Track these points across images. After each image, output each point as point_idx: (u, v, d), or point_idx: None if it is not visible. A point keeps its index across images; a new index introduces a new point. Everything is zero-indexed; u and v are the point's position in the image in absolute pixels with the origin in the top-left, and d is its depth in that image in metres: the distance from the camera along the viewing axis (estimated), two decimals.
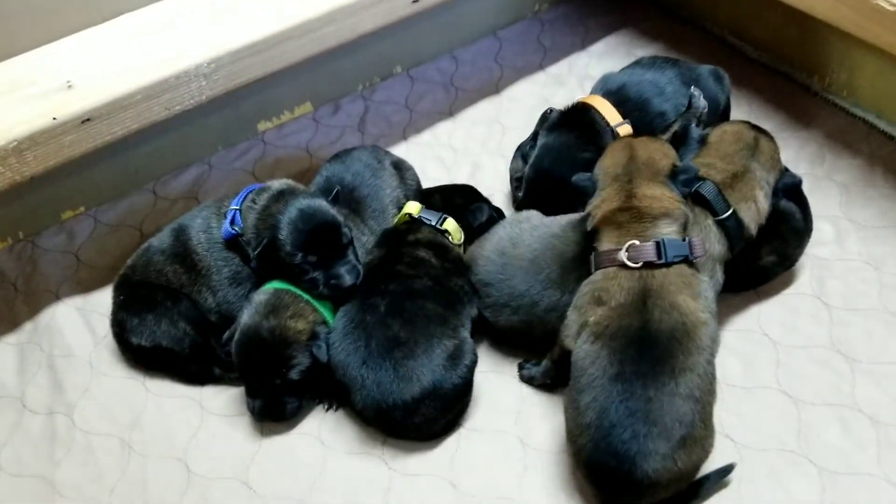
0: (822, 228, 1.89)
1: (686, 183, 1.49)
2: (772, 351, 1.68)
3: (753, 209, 1.59)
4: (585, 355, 1.40)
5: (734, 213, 1.55)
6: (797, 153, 2.08)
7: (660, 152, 1.53)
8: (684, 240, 1.43)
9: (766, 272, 1.72)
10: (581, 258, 1.53)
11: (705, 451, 1.37)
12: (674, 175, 1.49)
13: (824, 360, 1.66)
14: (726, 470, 1.47)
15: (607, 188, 1.50)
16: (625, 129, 1.78)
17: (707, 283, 1.47)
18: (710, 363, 1.38)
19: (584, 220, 1.54)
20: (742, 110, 2.20)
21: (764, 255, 1.68)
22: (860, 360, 1.65)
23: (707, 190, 1.55)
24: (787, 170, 1.68)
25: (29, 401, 1.71)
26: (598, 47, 2.46)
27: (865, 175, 2.02)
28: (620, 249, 1.43)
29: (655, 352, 1.35)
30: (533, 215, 1.70)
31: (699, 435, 1.34)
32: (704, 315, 1.39)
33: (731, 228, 1.55)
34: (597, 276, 1.46)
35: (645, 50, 2.39)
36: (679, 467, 1.32)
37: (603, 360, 1.37)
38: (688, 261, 1.43)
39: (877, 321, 1.72)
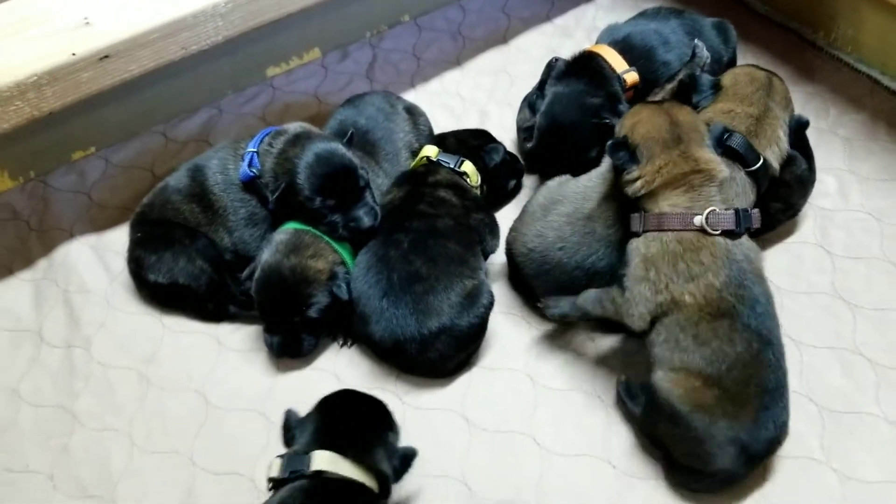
0: (825, 181, 1.93)
1: (719, 142, 1.51)
2: (776, 296, 1.71)
3: (777, 150, 1.64)
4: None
5: (763, 161, 1.58)
6: (802, 107, 2.10)
7: (694, 116, 1.53)
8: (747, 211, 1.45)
9: (771, 219, 1.76)
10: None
11: None
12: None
13: (826, 306, 1.71)
14: None
15: (662, 154, 1.44)
16: (631, 77, 1.81)
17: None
18: None
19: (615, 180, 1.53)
20: (747, 62, 2.22)
21: (769, 202, 1.72)
22: (861, 307, 1.70)
23: (738, 143, 1.57)
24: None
25: (46, 334, 1.73)
26: (605, 0, 2.47)
27: (868, 129, 2.05)
28: (696, 214, 1.40)
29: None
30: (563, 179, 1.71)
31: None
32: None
33: (760, 175, 1.59)
34: (666, 243, 1.41)
35: (652, 3, 2.41)
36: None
37: (721, 339, 1.37)
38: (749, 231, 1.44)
39: (878, 270, 1.77)
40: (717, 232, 1.40)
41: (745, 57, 2.23)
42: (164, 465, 1.52)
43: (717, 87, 1.70)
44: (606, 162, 1.60)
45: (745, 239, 1.43)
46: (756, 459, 1.38)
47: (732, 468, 1.38)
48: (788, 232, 1.84)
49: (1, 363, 1.69)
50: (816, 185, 1.88)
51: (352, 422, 1.37)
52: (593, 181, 1.63)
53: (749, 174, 1.58)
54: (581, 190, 1.63)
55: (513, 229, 1.71)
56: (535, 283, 1.65)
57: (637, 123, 1.50)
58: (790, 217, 1.80)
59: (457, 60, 2.33)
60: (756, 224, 1.45)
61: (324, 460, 1.28)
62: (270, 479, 1.29)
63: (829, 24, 2.24)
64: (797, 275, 1.77)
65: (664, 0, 2.43)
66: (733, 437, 1.35)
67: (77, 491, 1.50)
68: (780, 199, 1.74)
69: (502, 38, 2.38)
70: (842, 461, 1.48)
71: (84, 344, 1.71)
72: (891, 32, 2.10)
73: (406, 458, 1.34)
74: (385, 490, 1.33)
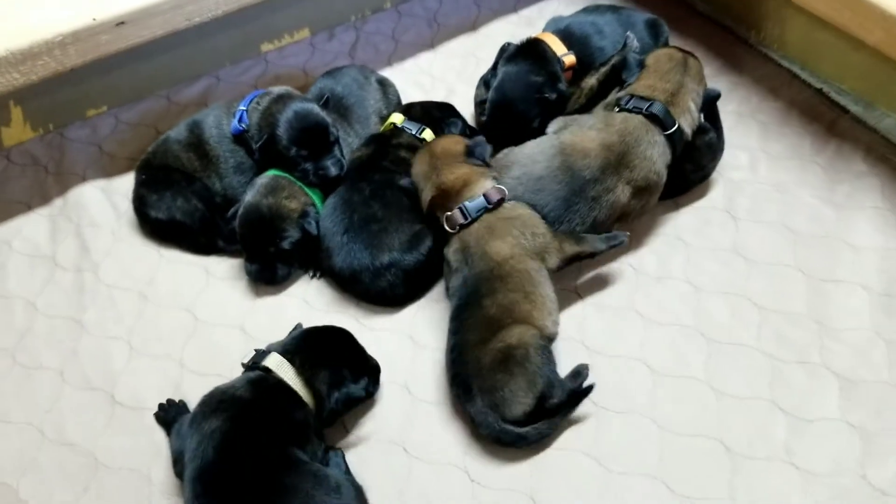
0: (739, 156, 2.22)
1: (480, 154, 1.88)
2: (683, 251, 2.02)
3: (689, 118, 1.96)
4: None
5: (678, 126, 1.90)
6: (728, 94, 2.40)
7: (450, 141, 1.92)
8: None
9: (685, 180, 2.05)
10: None
11: None
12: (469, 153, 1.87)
13: (726, 260, 2.00)
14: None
15: (427, 187, 1.87)
16: (569, 59, 2.12)
17: None
18: None
19: None
20: None
21: (684, 164, 2.01)
22: (755, 261, 1.99)
23: (657, 110, 1.90)
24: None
25: (60, 260, 2.03)
26: None
27: (783, 116, 2.34)
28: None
29: None
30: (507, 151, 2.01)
31: None
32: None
33: (676, 139, 1.92)
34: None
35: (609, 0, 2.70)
36: None
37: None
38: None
39: (774, 232, 2.05)
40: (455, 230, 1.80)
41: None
42: (157, 366, 1.82)
43: (641, 66, 2.01)
44: (550, 128, 1.93)
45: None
46: None
47: None
48: (700, 197, 2.12)
49: (21, 282, 1.99)
50: (730, 159, 2.19)
51: (316, 346, 1.65)
52: (542, 146, 1.93)
53: (667, 137, 1.90)
54: (528, 154, 1.93)
55: None
56: None
57: (413, 166, 1.92)
58: (701, 179, 2.10)
59: (431, 44, 2.63)
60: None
61: (273, 361, 1.59)
62: (242, 364, 1.59)
63: (760, 23, 2.52)
64: (703, 233, 2.06)
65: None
66: None
67: (83, 384, 1.79)
68: (692, 161, 2.04)
69: (472, 25, 2.68)
70: (720, 382, 1.77)
71: (92, 268, 2.01)
72: (811, 33, 2.36)
73: (350, 400, 1.62)
74: (320, 411, 1.59)
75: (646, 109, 1.90)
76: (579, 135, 1.90)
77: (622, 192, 1.86)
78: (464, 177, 1.83)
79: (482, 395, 1.64)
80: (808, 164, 2.20)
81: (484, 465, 1.65)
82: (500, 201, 1.80)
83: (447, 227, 1.80)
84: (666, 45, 2.33)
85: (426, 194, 1.86)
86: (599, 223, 1.86)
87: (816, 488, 1.60)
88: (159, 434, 1.69)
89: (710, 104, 2.04)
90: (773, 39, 2.51)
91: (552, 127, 1.99)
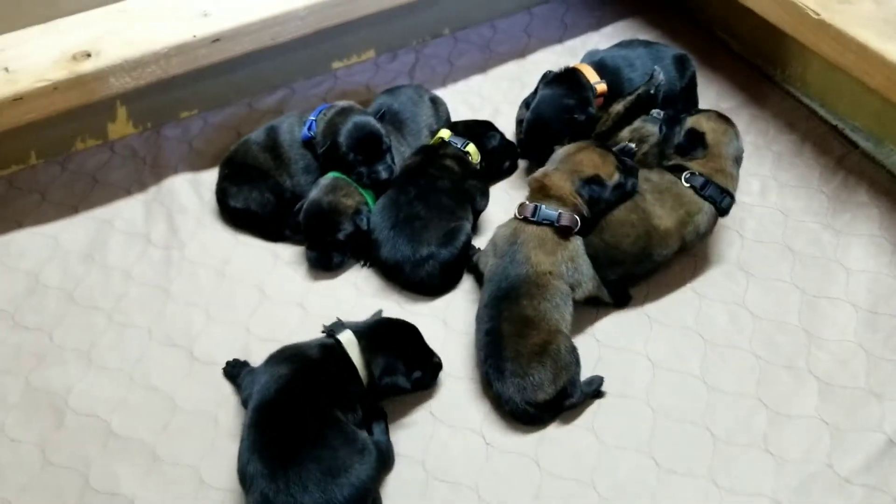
0: (752, 183, 2.47)
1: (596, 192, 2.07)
2: (692, 263, 2.27)
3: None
4: None
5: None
6: (748, 126, 2.64)
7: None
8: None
9: None
10: None
11: None
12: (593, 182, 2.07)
13: (729, 273, 2.24)
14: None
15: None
16: (601, 87, 2.39)
17: None
18: None
19: None
20: (713, 89, 2.78)
21: None
22: (756, 276, 2.23)
23: (727, 204, 2.15)
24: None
25: (152, 238, 2.37)
26: (608, 30, 3.04)
27: (797, 148, 2.57)
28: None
29: None
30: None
31: None
32: None
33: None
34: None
35: (646, 35, 2.96)
36: None
37: None
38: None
39: (775, 251, 2.29)
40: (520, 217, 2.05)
41: (711, 83, 2.79)
42: (228, 331, 2.14)
43: (696, 138, 2.15)
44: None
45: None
46: None
47: None
48: None
49: (119, 255, 2.33)
50: (744, 185, 2.40)
51: (383, 335, 1.92)
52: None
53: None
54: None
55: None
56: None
57: (572, 148, 2.14)
58: None
59: (482, 68, 2.92)
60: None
61: (345, 337, 1.88)
62: (322, 327, 1.90)
63: (785, 62, 2.76)
64: (712, 248, 2.30)
65: (654, 33, 2.99)
66: None
67: (167, 341, 2.12)
68: None
69: (521, 53, 2.97)
70: (712, 377, 2.02)
71: (179, 247, 2.34)
72: (829, 74, 2.59)
73: (395, 387, 1.87)
74: (371, 388, 1.86)
75: (720, 203, 2.12)
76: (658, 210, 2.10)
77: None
78: (562, 190, 2.02)
79: (513, 378, 1.90)
80: (815, 192, 2.44)
81: (498, 432, 1.93)
82: (566, 229, 2.00)
83: (516, 210, 2.05)
84: (692, 79, 2.58)
85: (548, 168, 2.08)
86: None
87: (786, 473, 1.84)
88: (227, 386, 2.01)
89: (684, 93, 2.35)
90: (795, 78, 2.74)
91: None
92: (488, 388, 1.97)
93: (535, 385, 1.89)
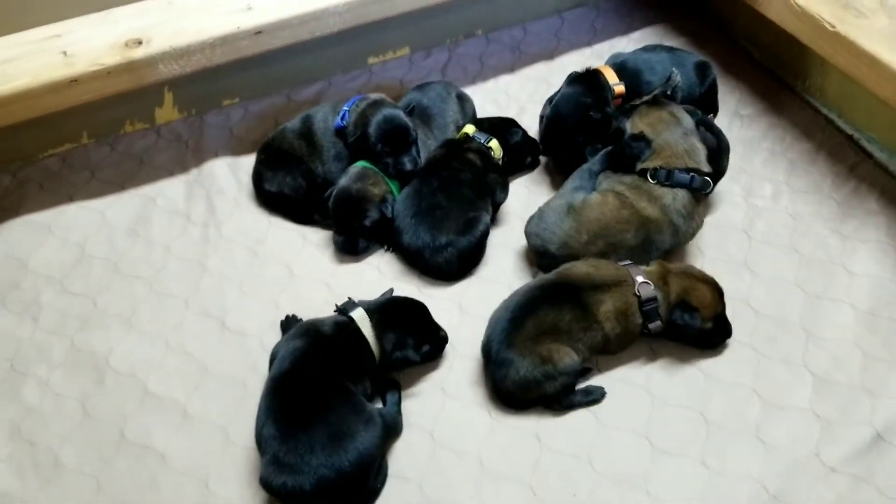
0: (765, 187, 2.56)
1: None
2: (700, 260, 2.36)
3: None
4: None
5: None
6: (765, 133, 2.74)
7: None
8: None
9: None
10: None
11: None
12: None
13: (735, 272, 2.34)
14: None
15: None
16: (619, 88, 2.50)
17: None
18: None
19: None
20: (734, 96, 2.87)
21: None
22: (761, 275, 2.32)
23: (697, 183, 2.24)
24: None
25: (192, 216, 2.53)
26: (636, 35, 3.14)
27: (812, 155, 2.66)
28: None
29: None
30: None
31: None
32: None
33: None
34: None
35: (673, 41, 3.07)
36: None
37: None
38: None
39: (782, 253, 2.37)
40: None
41: (733, 91, 2.88)
42: (260, 305, 2.28)
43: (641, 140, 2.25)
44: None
45: None
46: None
47: None
48: (725, 219, 2.46)
49: (161, 231, 2.50)
50: (757, 189, 2.54)
51: (393, 312, 2.06)
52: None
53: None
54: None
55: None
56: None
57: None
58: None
59: (511, 68, 3.05)
60: None
61: (357, 314, 2.03)
62: (335, 306, 2.05)
63: (805, 73, 2.84)
64: (721, 247, 2.40)
65: (681, 39, 3.09)
66: None
67: (201, 312, 2.27)
68: None
69: (550, 55, 3.09)
70: (710, 368, 2.11)
71: (216, 225, 2.50)
72: (847, 85, 2.66)
73: (405, 361, 2.01)
74: (382, 362, 2.00)
75: (691, 185, 2.19)
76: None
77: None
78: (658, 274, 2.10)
79: (506, 368, 2.00)
80: (826, 199, 2.52)
81: (502, 408, 2.05)
82: (639, 299, 2.05)
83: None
84: (713, 86, 2.67)
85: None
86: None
87: (774, 459, 1.93)
88: (256, 354, 2.16)
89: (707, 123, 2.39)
90: (815, 88, 2.82)
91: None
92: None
93: (523, 381, 1.99)
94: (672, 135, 2.24)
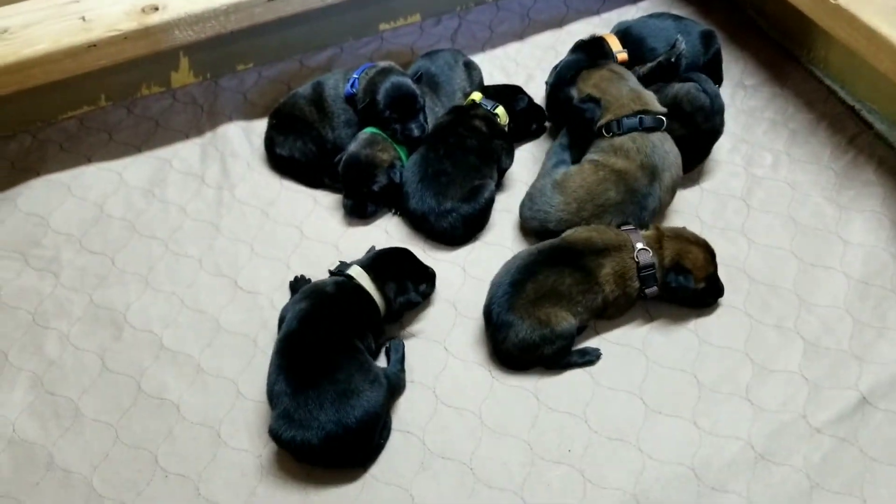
0: (765, 156, 2.61)
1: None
2: (699, 227, 2.42)
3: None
4: None
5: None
6: (767, 102, 2.78)
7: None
8: None
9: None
10: None
11: None
12: None
13: (733, 239, 2.39)
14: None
15: None
16: (622, 56, 2.55)
17: None
18: None
19: None
20: (739, 65, 2.91)
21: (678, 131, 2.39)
22: (756, 242, 2.38)
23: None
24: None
25: (206, 179, 2.61)
26: (645, 4, 3.16)
27: (812, 126, 2.69)
28: None
29: None
30: None
31: None
32: None
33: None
34: None
35: (681, 10, 3.08)
36: None
37: None
38: None
39: (779, 221, 2.42)
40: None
41: (737, 61, 2.91)
42: (270, 265, 2.37)
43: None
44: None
45: None
46: None
47: None
48: (723, 186, 2.52)
49: (176, 192, 2.58)
50: (757, 158, 2.59)
51: (388, 262, 2.17)
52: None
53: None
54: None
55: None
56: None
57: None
58: (706, 140, 2.49)
59: (520, 35, 3.09)
60: None
61: (355, 271, 2.11)
62: (329, 271, 2.13)
63: (810, 44, 2.86)
64: (719, 215, 2.45)
65: (689, 8, 3.12)
66: None
67: (215, 271, 2.36)
68: (687, 126, 2.42)
69: (559, 23, 3.13)
70: (705, 332, 2.19)
71: (229, 188, 2.58)
72: (850, 57, 2.69)
73: (410, 303, 2.13)
74: (388, 311, 2.11)
75: (646, 125, 2.32)
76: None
77: None
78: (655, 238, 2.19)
79: (506, 331, 2.08)
80: (825, 169, 2.57)
81: (503, 368, 2.14)
82: (637, 265, 2.14)
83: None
84: (717, 55, 2.71)
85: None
86: None
87: (762, 420, 2.02)
88: (267, 312, 2.25)
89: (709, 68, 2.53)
90: (819, 59, 2.85)
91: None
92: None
93: (521, 342, 2.07)
94: (617, 88, 2.35)
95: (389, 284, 2.12)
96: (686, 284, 2.14)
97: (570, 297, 2.10)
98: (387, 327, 2.18)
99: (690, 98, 2.40)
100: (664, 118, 2.32)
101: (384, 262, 2.17)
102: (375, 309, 2.10)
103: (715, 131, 2.46)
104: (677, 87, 2.43)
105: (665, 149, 2.31)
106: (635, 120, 2.30)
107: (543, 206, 2.31)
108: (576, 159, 2.41)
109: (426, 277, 2.20)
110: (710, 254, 2.19)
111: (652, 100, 2.35)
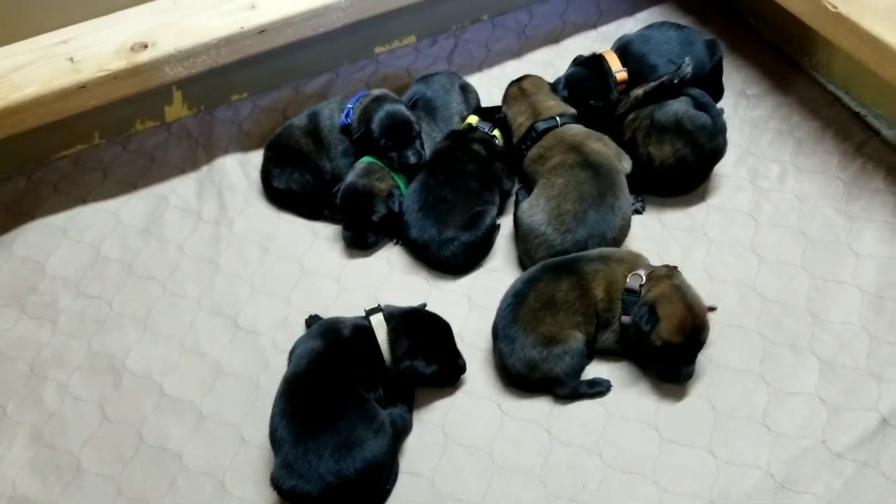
0: (771, 168, 2.55)
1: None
2: (706, 245, 2.38)
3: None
4: None
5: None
6: (772, 112, 2.72)
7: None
8: None
9: (688, 162, 2.39)
10: None
11: None
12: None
13: (742, 256, 2.34)
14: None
15: None
16: (621, 76, 2.50)
17: None
18: None
19: None
20: (740, 75, 2.86)
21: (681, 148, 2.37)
22: (766, 259, 2.33)
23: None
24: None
25: (203, 214, 2.57)
26: (643, 15, 3.12)
27: (818, 134, 2.64)
28: None
29: None
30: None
31: None
32: None
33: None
34: None
35: (679, 20, 3.03)
36: None
37: None
38: None
39: (789, 235, 2.37)
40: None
41: (739, 70, 2.86)
42: (271, 302, 2.32)
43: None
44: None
45: None
46: None
47: None
48: (729, 200, 2.47)
49: (173, 229, 2.53)
50: (763, 170, 2.54)
51: (412, 323, 2.04)
52: None
53: None
54: None
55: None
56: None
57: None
58: (709, 160, 2.44)
59: (517, 53, 3.04)
60: None
61: (375, 319, 2.04)
62: (364, 310, 2.06)
63: (812, 50, 2.81)
64: (727, 231, 2.40)
65: (688, 18, 3.07)
66: None
67: (214, 311, 2.31)
68: (689, 144, 2.37)
69: (556, 38, 3.08)
70: (718, 355, 2.12)
71: (227, 223, 2.54)
72: (854, 63, 2.63)
73: (415, 373, 1.98)
74: (393, 370, 1.99)
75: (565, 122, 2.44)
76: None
77: None
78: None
79: (511, 344, 2.05)
80: (833, 178, 2.51)
81: (512, 401, 2.08)
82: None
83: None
84: (718, 65, 2.66)
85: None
86: None
87: (781, 447, 1.96)
88: (269, 353, 2.20)
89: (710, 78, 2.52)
90: (822, 66, 2.80)
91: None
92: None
93: (526, 360, 2.04)
94: (518, 108, 2.50)
95: (402, 342, 2.00)
96: (645, 327, 1.99)
97: (567, 303, 2.06)
98: None
99: (691, 116, 2.35)
100: (557, 117, 2.42)
101: (412, 320, 2.05)
102: (382, 361, 2.02)
103: (716, 152, 2.41)
104: (675, 106, 2.37)
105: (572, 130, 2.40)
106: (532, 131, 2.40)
107: (538, 231, 2.25)
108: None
109: (449, 362, 2.06)
110: (693, 323, 1.99)
111: (544, 108, 2.46)
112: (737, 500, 1.88)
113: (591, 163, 2.28)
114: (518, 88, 2.53)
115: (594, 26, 3.11)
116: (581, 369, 2.08)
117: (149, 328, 2.29)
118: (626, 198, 2.28)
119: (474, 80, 2.88)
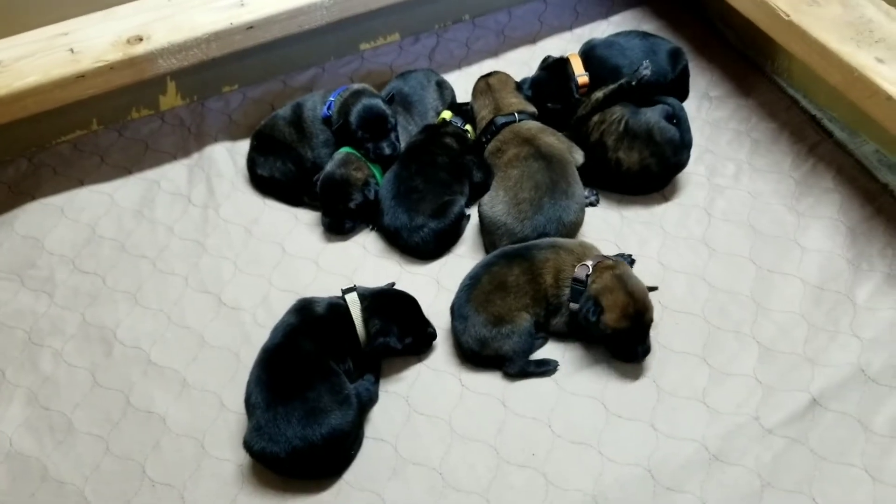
0: (727, 166, 2.71)
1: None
2: (661, 236, 2.54)
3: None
4: None
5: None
6: (732, 113, 2.88)
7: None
8: None
9: (652, 171, 2.56)
10: None
11: None
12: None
13: (694, 247, 2.49)
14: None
15: None
16: (583, 79, 2.65)
17: None
18: None
19: None
20: (705, 77, 3.01)
21: (649, 159, 2.53)
22: (717, 251, 2.48)
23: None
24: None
25: (193, 199, 2.73)
26: (616, 18, 3.27)
27: (775, 135, 2.79)
28: None
29: None
30: None
31: None
32: None
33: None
34: None
35: (650, 25, 3.19)
36: None
37: None
38: None
39: (739, 230, 2.52)
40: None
41: (703, 72, 3.02)
42: (253, 282, 2.49)
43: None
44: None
45: None
46: None
47: None
48: (686, 196, 2.62)
49: (164, 212, 2.70)
50: (720, 168, 2.69)
51: (384, 301, 2.21)
52: None
53: None
54: None
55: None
56: None
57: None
58: (674, 171, 2.61)
59: (495, 53, 3.19)
60: None
61: (350, 298, 2.20)
62: (340, 290, 2.23)
63: (774, 56, 2.96)
64: (682, 224, 2.55)
65: (659, 22, 3.22)
66: None
67: (200, 288, 2.48)
68: (656, 155, 2.54)
69: (533, 39, 3.23)
70: (665, 339, 2.28)
71: (215, 207, 2.70)
72: (811, 68, 2.81)
73: (387, 348, 2.14)
74: (366, 346, 2.15)
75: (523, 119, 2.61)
76: None
77: None
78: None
79: (464, 322, 2.21)
80: (785, 177, 2.67)
81: (472, 376, 2.24)
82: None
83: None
84: (684, 71, 2.80)
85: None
86: None
87: (717, 423, 2.11)
88: (249, 328, 2.37)
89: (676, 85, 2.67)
90: (783, 70, 2.95)
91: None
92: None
93: (477, 337, 2.21)
94: (481, 103, 2.67)
95: (374, 321, 2.17)
96: (592, 318, 2.14)
97: (517, 287, 2.22)
98: None
99: (661, 129, 2.51)
100: (516, 113, 2.58)
101: (383, 299, 2.22)
102: (356, 338, 2.18)
103: (679, 165, 2.58)
104: (649, 115, 2.53)
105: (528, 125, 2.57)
106: (511, 118, 2.57)
107: (500, 218, 2.41)
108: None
109: (419, 333, 2.22)
110: (635, 311, 2.13)
111: (506, 104, 2.63)
112: (673, 470, 2.04)
113: (544, 154, 2.45)
114: (485, 83, 2.69)
115: (570, 28, 3.26)
116: (529, 349, 2.23)
117: (139, 302, 2.45)
118: (578, 185, 2.45)
119: (453, 77, 3.03)
